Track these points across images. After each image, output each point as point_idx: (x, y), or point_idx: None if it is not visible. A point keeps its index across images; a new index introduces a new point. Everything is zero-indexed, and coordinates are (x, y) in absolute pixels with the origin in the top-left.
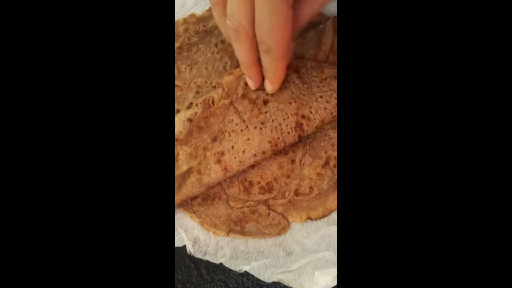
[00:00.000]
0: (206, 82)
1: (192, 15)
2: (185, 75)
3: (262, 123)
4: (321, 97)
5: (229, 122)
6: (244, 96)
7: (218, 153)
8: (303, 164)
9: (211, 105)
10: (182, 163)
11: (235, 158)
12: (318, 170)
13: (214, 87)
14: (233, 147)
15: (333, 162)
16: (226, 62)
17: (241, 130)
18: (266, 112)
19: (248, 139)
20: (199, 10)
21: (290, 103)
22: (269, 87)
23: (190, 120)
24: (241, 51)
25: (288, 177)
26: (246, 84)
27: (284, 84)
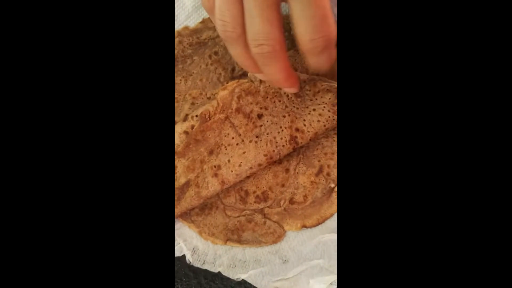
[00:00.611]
0: (201, 94)
1: (186, 28)
2: (180, 87)
3: (257, 137)
4: (314, 110)
5: (225, 136)
6: (238, 110)
7: (214, 166)
8: (297, 173)
9: (208, 119)
10: (180, 176)
11: (231, 171)
12: (312, 178)
13: (209, 98)
14: (229, 161)
15: (327, 170)
16: (220, 73)
17: (237, 144)
18: (261, 125)
19: (244, 152)
20: (192, 23)
21: (284, 117)
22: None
23: (186, 132)
24: (281, 69)
25: (282, 186)
26: (239, 98)
27: (278, 97)
